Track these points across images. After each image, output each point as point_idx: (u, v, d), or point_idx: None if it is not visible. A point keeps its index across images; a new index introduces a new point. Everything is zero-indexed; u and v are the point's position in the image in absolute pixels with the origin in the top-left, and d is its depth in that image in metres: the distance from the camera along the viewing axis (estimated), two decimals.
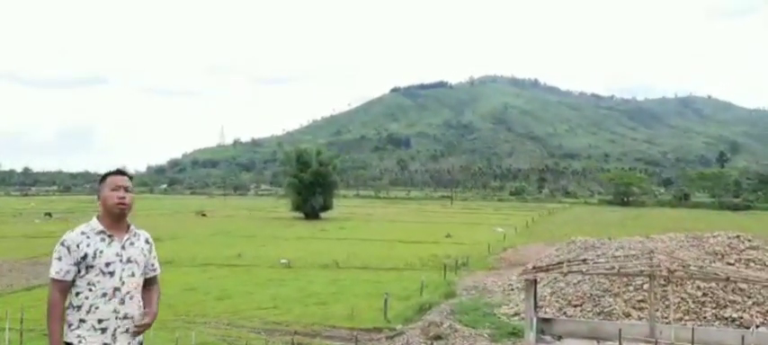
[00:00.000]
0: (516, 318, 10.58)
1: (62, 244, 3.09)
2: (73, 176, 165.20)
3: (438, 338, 9.08)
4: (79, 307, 3.10)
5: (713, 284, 9.47)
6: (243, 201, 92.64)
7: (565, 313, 10.18)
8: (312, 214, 51.06)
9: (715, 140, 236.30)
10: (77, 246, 3.07)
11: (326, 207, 53.37)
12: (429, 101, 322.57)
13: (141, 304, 3.27)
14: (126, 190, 3.22)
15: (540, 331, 8.39)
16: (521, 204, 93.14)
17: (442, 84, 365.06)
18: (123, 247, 3.18)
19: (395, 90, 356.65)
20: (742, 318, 8.61)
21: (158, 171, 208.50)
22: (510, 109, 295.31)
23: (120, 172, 3.28)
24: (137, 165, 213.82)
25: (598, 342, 6.24)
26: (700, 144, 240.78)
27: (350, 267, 20.45)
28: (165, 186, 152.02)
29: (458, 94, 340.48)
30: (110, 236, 3.16)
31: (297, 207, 52.05)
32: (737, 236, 12.44)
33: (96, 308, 3.09)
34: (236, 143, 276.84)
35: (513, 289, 13.73)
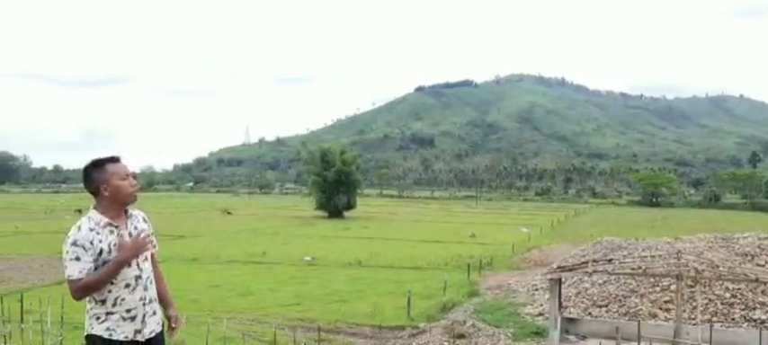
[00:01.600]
0: (540, 318, 10.49)
1: (75, 245, 3.01)
2: None
3: (461, 336, 9.04)
4: (104, 301, 3.09)
5: (742, 285, 9.27)
6: (267, 200, 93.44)
7: (590, 313, 10.06)
8: (336, 213, 51.31)
9: (747, 140, 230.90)
10: (91, 243, 3.03)
11: (350, 206, 53.60)
12: (454, 100, 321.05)
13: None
14: (134, 176, 3.23)
15: (565, 331, 8.29)
16: (546, 204, 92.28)
17: (467, 83, 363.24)
18: (130, 234, 3.16)
19: (419, 89, 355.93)
20: None
21: (185, 169, 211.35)
22: (536, 108, 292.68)
23: (116, 159, 3.23)
24: (163, 163, 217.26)
25: (617, 342, 6.16)
26: (731, 144, 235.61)
27: (373, 265, 20.49)
28: (191, 184, 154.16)
29: (483, 93, 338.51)
30: (116, 227, 3.12)
31: (320, 206, 52.35)
32: None
33: (123, 299, 3.11)
34: (262, 142, 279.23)
35: (537, 289, 13.61)
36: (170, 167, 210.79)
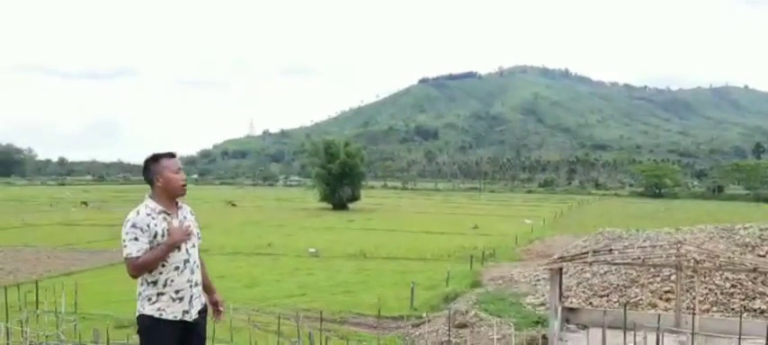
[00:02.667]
0: (542, 308, 10.61)
1: (134, 226, 3.32)
2: (106, 166, 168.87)
3: (463, 326, 9.18)
4: (155, 282, 3.38)
5: (742, 275, 9.37)
6: (272, 192, 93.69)
7: (591, 303, 10.18)
8: (340, 204, 51.46)
9: (751, 131, 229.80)
10: (148, 226, 3.33)
11: (354, 197, 53.74)
12: (457, 92, 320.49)
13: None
14: (183, 171, 3.56)
15: (566, 321, 8.42)
16: (550, 196, 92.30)
17: (470, 75, 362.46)
18: (180, 222, 3.48)
19: (423, 81, 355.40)
20: None
21: (189, 161, 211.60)
22: (540, 99, 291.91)
23: (172, 155, 3.58)
24: None
25: (603, 326, 6.28)
26: (735, 135, 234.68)
27: (377, 257, 20.65)
28: (195, 176, 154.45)
29: (487, 85, 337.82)
30: (169, 215, 3.45)
31: (325, 198, 52.49)
32: None
33: (172, 281, 3.40)
34: (265, 134, 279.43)
35: (539, 280, 13.73)
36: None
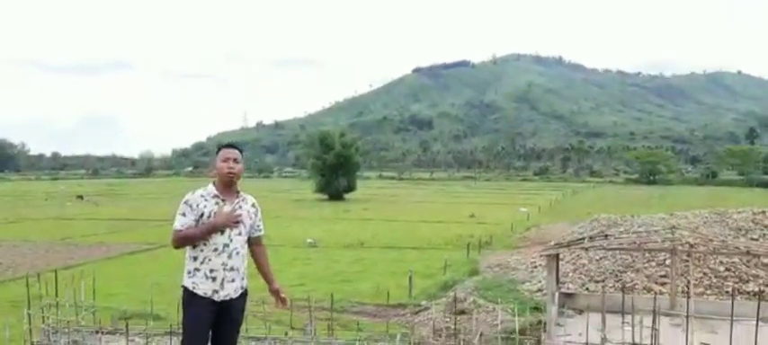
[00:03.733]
0: (539, 294, 10.75)
1: (186, 203, 3.68)
2: (100, 160, 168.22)
3: (461, 312, 9.29)
4: (195, 258, 3.66)
5: (736, 259, 9.52)
6: (267, 183, 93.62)
7: (587, 288, 10.31)
8: (336, 195, 51.52)
9: (745, 116, 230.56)
10: (197, 205, 3.65)
11: (350, 188, 53.82)
12: (451, 80, 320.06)
13: (245, 259, 3.84)
14: (235, 161, 3.78)
15: (562, 306, 8.54)
16: (545, 184, 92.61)
17: (464, 64, 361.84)
18: (233, 210, 3.70)
19: (416, 70, 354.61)
20: (764, 292, 8.66)
21: (183, 154, 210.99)
22: (534, 87, 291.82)
23: (231, 146, 3.85)
24: (162, 149, 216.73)
25: (602, 308, 6.39)
26: (729, 120, 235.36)
27: (374, 246, 20.76)
28: (190, 169, 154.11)
29: (480, 73, 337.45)
30: (223, 200, 3.72)
31: (321, 189, 52.56)
32: (763, 212, 12.40)
33: (209, 260, 3.64)
34: (259, 126, 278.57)
35: (536, 267, 13.87)
36: (169, 152, 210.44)
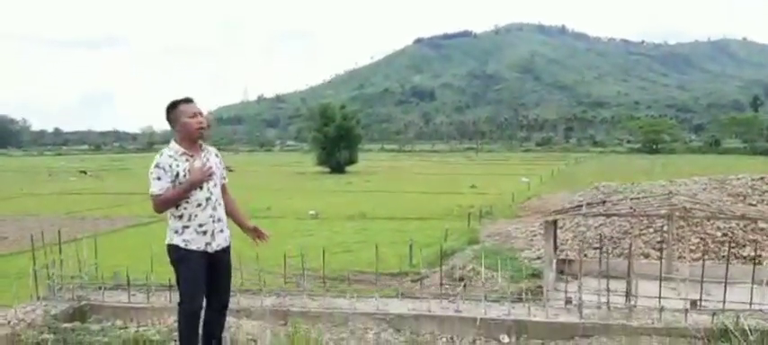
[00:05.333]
0: (538, 261, 10.84)
1: (158, 167, 3.71)
2: (102, 135, 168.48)
3: (460, 279, 9.40)
4: (181, 216, 3.77)
5: (733, 224, 9.57)
6: (269, 157, 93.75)
7: (585, 255, 10.39)
8: (337, 168, 51.60)
9: (750, 84, 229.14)
10: (170, 167, 3.73)
11: (352, 161, 53.86)
12: (453, 51, 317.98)
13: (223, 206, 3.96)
14: (200, 114, 3.84)
15: (560, 272, 8.63)
16: (547, 154, 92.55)
17: (466, 34, 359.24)
18: (204, 164, 3.81)
19: (418, 41, 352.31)
20: (760, 256, 8.74)
21: None
22: (537, 57, 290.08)
23: (189, 100, 3.84)
24: (163, 124, 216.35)
25: (602, 270, 6.48)
26: (733, 88, 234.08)
27: (376, 217, 20.85)
28: None
29: (483, 44, 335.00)
30: (191, 156, 3.78)
31: (322, 162, 52.62)
32: (762, 178, 12.42)
33: (196, 216, 3.77)
34: (260, 99, 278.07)
35: (535, 235, 13.95)
36: (170, 127, 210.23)
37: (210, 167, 3.83)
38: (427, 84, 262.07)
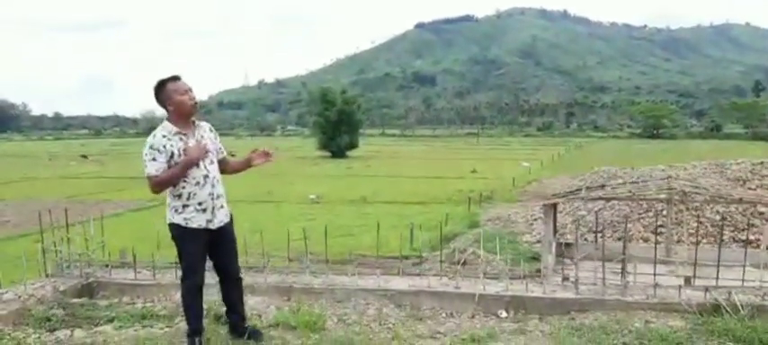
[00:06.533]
0: (538, 245, 10.92)
1: (151, 148, 3.68)
2: (102, 119, 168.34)
3: (461, 263, 9.49)
4: (180, 195, 3.77)
5: (732, 208, 9.65)
6: (270, 142, 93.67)
7: (585, 239, 10.47)
8: (338, 152, 51.64)
9: (752, 69, 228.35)
10: (164, 147, 3.69)
11: (353, 145, 53.87)
12: (454, 36, 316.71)
13: (223, 185, 3.98)
14: (191, 90, 3.79)
15: (560, 255, 8.71)
16: (548, 139, 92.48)
17: (467, 18, 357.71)
18: (197, 141, 3.78)
19: (419, 25, 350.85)
20: (758, 240, 8.82)
21: None
22: (538, 42, 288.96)
23: (176, 78, 3.76)
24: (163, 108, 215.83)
25: (602, 255, 6.57)
26: (735, 73, 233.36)
27: (377, 202, 20.94)
28: None
29: (484, 28, 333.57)
30: (185, 135, 3.75)
31: (323, 146, 52.64)
32: (761, 162, 12.47)
33: (195, 194, 3.77)
34: (261, 84, 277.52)
35: (535, 219, 14.03)
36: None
37: (206, 144, 3.82)
38: (428, 69, 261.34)
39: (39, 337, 4.42)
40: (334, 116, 51.50)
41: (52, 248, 6.10)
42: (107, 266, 6.24)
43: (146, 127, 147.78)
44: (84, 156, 52.00)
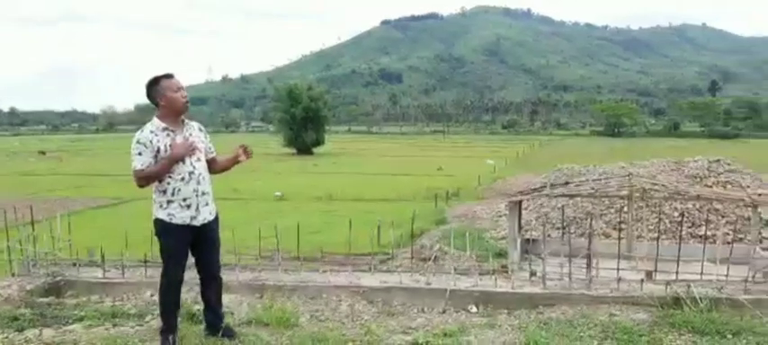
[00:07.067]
0: (503, 241, 11.11)
1: (139, 143, 3.72)
2: (61, 115, 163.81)
3: (427, 259, 9.61)
4: (164, 191, 3.79)
5: (690, 205, 9.99)
6: (234, 138, 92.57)
7: (549, 235, 10.70)
8: (304, 149, 51.42)
9: (708, 69, 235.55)
10: (151, 142, 3.73)
11: (318, 142, 53.70)
12: (420, 33, 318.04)
13: (211, 183, 4.01)
14: (183, 88, 3.83)
15: (524, 252, 8.89)
16: (512, 137, 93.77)
17: (433, 16, 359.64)
18: (185, 138, 3.80)
19: (385, 22, 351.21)
20: (715, 235, 9.17)
21: (146, 109, 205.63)
22: (502, 40, 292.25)
23: (169, 76, 3.83)
24: (124, 103, 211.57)
25: (569, 251, 6.77)
26: (692, 73, 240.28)
27: (343, 199, 20.97)
28: None
29: (449, 26, 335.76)
30: (173, 131, 3.78)
31: (289, 143, 52.34)
32: (717, 160, 12.93)
33: (179, 190, 3.79)
34: (225, 79, 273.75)
35: (501, 216, 14.27)
36: (132, 107, 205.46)
37: (193, 142, 3.85)
38: (395, 67, 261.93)
39: (6, 336, 4.34)
40: (301, 113, 51.26)
41: (18, 246, 5.98)
42: (75, 264, 6.13)
43: (105, 122, 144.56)
44: (43, 152, 50.56)
